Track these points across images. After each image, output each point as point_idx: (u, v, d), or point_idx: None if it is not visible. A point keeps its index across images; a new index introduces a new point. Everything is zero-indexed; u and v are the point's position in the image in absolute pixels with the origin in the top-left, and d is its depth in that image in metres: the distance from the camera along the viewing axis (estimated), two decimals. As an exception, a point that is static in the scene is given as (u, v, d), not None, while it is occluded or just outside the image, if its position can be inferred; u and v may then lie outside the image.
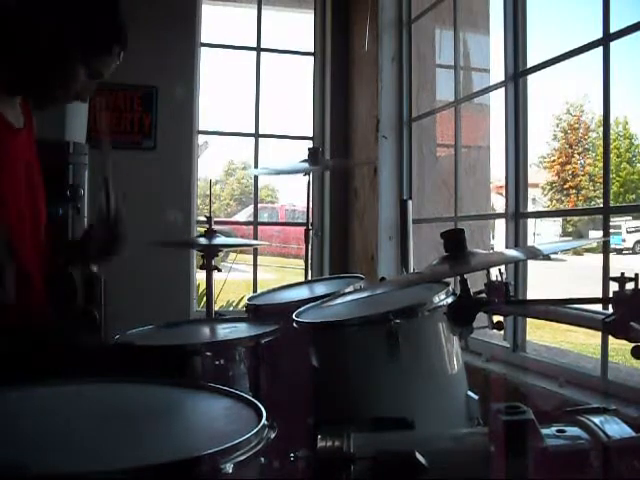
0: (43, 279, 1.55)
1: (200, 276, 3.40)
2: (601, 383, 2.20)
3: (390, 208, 3.64)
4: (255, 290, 3.99)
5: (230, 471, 0.83)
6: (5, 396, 1.12)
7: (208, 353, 1.67)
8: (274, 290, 2.41)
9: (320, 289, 2.32)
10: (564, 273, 13.84)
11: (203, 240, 2.45)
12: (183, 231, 3.81)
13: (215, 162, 23.86)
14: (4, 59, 1.42)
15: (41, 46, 1.41)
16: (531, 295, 2.76)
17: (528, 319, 2.70)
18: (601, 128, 2.51)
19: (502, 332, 2.68)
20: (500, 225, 3.04)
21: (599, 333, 1.91)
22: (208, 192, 2.39)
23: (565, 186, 24.07)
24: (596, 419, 0.88)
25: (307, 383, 1.58)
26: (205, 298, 2.72)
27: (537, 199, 23.12)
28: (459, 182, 3.25)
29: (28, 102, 1.57)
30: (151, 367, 1.53)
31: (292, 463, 0.98)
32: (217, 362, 1.68)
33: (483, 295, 1.24)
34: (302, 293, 2.30)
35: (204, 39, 4.07)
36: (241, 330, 1.95)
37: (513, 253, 1.78)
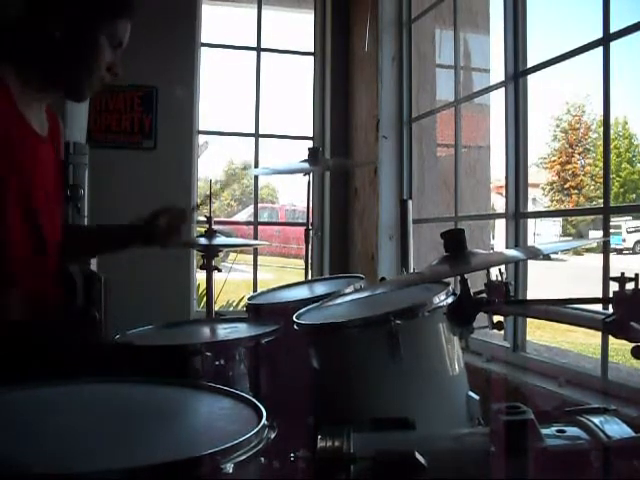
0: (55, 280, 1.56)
1: (200, 276, 3.40)
2: (601, 383, 2.20)
3: (390, 208, 3.64)
4: (255, 290, 3.99)
5: (230, 471, 0.83)
6: (5, 396, 1.12)
7: (208, 353, 1.66)
8: (274, 290, 2.41)
9: (320, 289, 2.32)
10: (564, 273, 13.83)
11: (203, 240, 2.44)
12: (183, 231, 3.80)
13: (215, 162, 23.85)
14: (31, 56, 1.40)
15: (57, 25, 1.38)
16: (531, 295, 2.76)
17: (528, 319, 2.70)
18: (601, 128, 2.51)
19: (502, 332, 2.68)
20: (500, 225, 3.05)
21: (599, 333, 1.91)
22: (208, 192, 2.39)
23: (565, 186, 24.07)
24: (596, 419, 0.88)
25: (307, 383, 1.58)
26: (205, 298, 2.72)
27: (537, 199, 23.11)
28: (459, 182, 3.25)
29: (67, 97, 1.55)
30: (151, 367, 1.53)
31: (292, 463, 0.98)
32: (217, 362, 1.67)
33: (483, 295, 1.24)
34: (302, 293, 2.30)
35: (204, 39, 4.07)
36: (241, 330, 1.95)
37: (513, 253, 1.78)
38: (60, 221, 1.61)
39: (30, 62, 1.41)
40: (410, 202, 2.82)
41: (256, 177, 4.52)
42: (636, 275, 0.98)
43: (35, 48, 1.40)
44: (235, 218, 18.64)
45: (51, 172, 1.54)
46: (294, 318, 1.67)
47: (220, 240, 2.42)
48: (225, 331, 1.96)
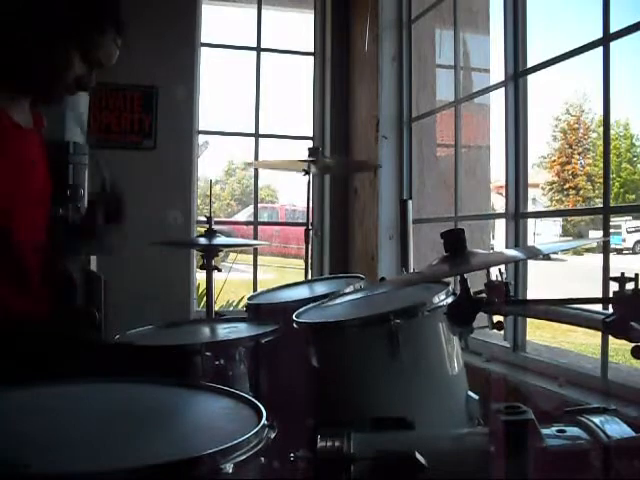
0: (43, 279, 1.55)
1: (200, 276, 3.40)
2: (601, 383, 2.20)
3: (390, 208, 3.64)
4: (255, 290, 3.99)
5: (230, 471, 0.83)
6: (6, 396, 1.11)
7: (208, 353, 1.66)
8: (274, 290, 2.41)
9: (320, 289, 2.32)
10: (564, 273, 13.83)
11: (203, 240, 2.44)
12: (183, 231, 3.81)
13: (215, 162, 23.86)
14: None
15: (28, 33, 1.39)
16: (531, 295, 2.76)
17: (528, 319, 2.70)
18: (601, 128, 2.51)
19: (502, 332, 2.68)
20: (500, 225, 3.04)
21: (599, 333, 1.91)
22: (208, 192, 2.39)
23: (565, 186, 24.07)
24: (596, 419, 0.88)
25: (307, 383, 1.58)
26: (205, 298, 2.72)
27: (537, 199, 23.11)
28: (459, 182, 3.25)
29: (36, 103, 1.56)
30: (151, 367, 1.53)
31: (292, 463, 0.98)
32: (217, 362, 1.67)
33: (483, 295, 1.24)
34: (302, 293, 2.30)
35: (204, 39, 4.06)
36: (241, 330, 1.94)
37: (513, 253, 1.78)
38: (44, 219, 1.60)
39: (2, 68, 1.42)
40: (410, 202, 2.82)
41: (256, 177, 4.52)
42: (636, 275, 0.98)
43: (5, 56, 1.42)
44: (235, 218, 18.66)
45: (38, 164, 1.54)
46: (294, 317, 1.67)
47: (220, 240, 2.42)
48: (225, 331, 1.96)
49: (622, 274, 1.00)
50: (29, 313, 1.47)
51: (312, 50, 4.30)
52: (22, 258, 1.47)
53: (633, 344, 0.97)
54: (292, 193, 22.35)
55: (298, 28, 5.22)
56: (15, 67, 1.43)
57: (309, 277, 2.86)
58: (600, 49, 2.23)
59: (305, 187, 2.89)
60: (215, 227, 2.47)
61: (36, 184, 1.54)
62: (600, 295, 2.12)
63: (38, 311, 1.51)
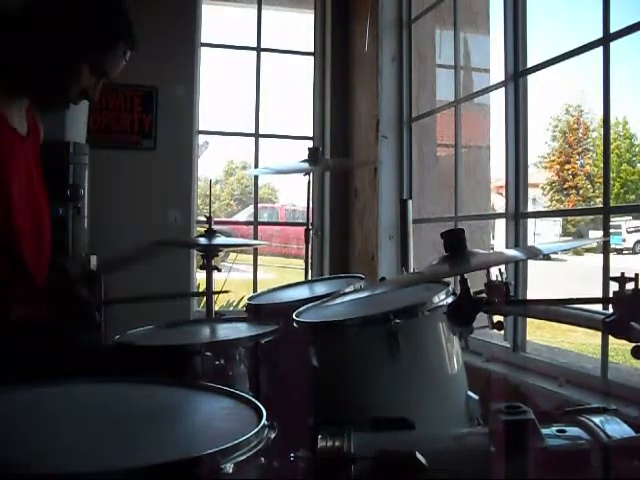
0: (45, 281, 1.55)
1: (200, 276, 3.40)
2: (601, 383, 2.20)
3: (390, 208, 3.64)
4: (255, 290, 3.99)
5: (230, 471, 0.83)
6: (6, 396, 1.11)
7: (208, 353, 1.66)
8: (274, 290, 2.41)
9: (320, 289, 2.32)
10: (564, 273, 13.83)
11: (203, 240, 2.44)
12: (183, 231, 3.81)
13: (215, 162, 23.86)
14: (6, 61, 1.42)
15: (42, 43, 1.40)
16: (531, 295, 2.76)
17: (528, 319, 2.70)
18: (601, 128, 2.51)
19: (502, 332, 2.68)
20: (500, 225, 3.05)
21: (599, 333, 1.91)
22: (208, 192, 2.38)
23: (565, 186, 24.06)
24: (596, 419, 0.88)
25: (307, 383, 1.58)
26: (205, 298, 2.72)
27: (537, 199, 23.10)
28: (459, 182, 3.25)
29: (34, 107, 1.57)
30: (151, 367, 1.53)
31: (292, 463, 0.98)
32: (217, 362, 1.67)
33: (483, 295, 1.24)
34: (302, 293, 2.30)
35: (204, 39, 4.07)
36: (241, 330, 1.94)
37: (513, 253, 1.78)
38: (46, 221, 1.61)
39: (6, 72, 1.43)
40: (410, 202, 2.82)
41: (256, 177, 4.53)
42: (636, 275, 0.98)
43: (16, 62, 1.42)
44: (235, 218, 18.65)
45: (33, 170, 1.54)
46: (294, 316, 1.67)
47: (220, 240, 2.41)
48: (225, 331, 1.96)
49: (622, 274, 1.00)
50: (32, 317, 1.48)
51: (312, 50, 4.31)
52: (25, 262, 1.47)
53: (633, 344, 0.97)
54: (292, 193, 22.34)
55: (298, 28, 5.23)
56: (23, 74, 1.44)
57: (309, 277, 2.85)
58: (600, 49, 2.24)
59: (305, 187, 2.88)
60: (215, 227, 2.46)
61: (33, 190, 1.54)
62: (600, 295, 2.12)
63: (40, 313, 1.51)
